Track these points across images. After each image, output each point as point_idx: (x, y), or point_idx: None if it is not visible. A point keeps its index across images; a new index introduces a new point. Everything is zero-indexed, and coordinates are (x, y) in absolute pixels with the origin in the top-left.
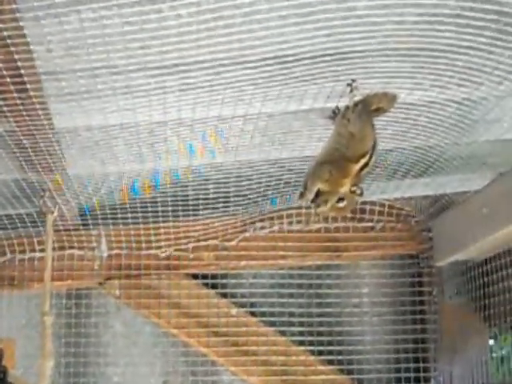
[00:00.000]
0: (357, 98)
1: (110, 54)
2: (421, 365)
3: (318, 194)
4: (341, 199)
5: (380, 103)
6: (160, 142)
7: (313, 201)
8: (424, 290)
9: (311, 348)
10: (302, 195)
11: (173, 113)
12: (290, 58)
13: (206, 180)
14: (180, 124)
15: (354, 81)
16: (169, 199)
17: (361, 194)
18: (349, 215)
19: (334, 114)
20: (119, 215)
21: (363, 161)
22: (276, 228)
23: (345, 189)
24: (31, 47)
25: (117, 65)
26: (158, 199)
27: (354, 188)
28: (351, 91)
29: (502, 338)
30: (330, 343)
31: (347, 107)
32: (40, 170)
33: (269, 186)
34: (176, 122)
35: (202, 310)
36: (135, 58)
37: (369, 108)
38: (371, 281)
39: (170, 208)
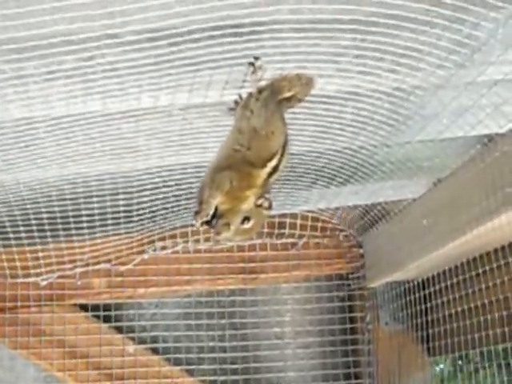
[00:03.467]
0: (262, 83)
1: None
2: None
3: (216, 215)
4: (246, 218)
5: (292, 89)
6: (26, 145)
7: (211, 225)
8: (356, 316)
9: None
10: (198, 213)
11: (38, 109)
12: (177, 32)
13: (89, 193)
14: (50, 122)
15: (257, 58)
16: (44, 216)
17: (269, 208)
18: (265, 230)
19: (237, 104)
20: None
21: (271, 165)
22: (180, 248)
23: (249, 203)
24: None
25: None
26: (31, 216)
27: (260, 201)
28: (254, 72)
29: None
30: (246, 383)
31: (250, 94)
32: None
33: (167, 197)
34: (45, 119)
35: (93, 348)
36: None
37: (278, 95)
38: (294, 307)
39: (46, 227)
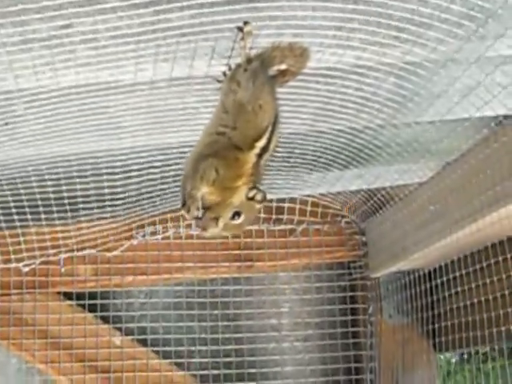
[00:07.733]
0: (252, 52)
1: None
2: None
3: (204, 208)
4: (236, 213)
5: (285, 60)
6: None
7: (197, 220)
8: (358, 308)
9: None
10: (185, 209)
11: (10, 82)
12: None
13: (69, 173)
14: (25, 95)
15: (246, 23)
16: (23, 198)
17: (262, 201)
18: (262, 216)
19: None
20: None
21: (259, 145)
22: (171, 233)
23: (240, 196)
24: None
25: None
26: (9, 198)
27: (252, 193)
28: (242, 38)
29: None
30: (240, 378)
31: (238, 65)
32: None
33: (154, 179)
34: (21, 93)
35: (77, 338)
36: None
37: (269, 67)
38: (292, 297)
39: (26, 209)
